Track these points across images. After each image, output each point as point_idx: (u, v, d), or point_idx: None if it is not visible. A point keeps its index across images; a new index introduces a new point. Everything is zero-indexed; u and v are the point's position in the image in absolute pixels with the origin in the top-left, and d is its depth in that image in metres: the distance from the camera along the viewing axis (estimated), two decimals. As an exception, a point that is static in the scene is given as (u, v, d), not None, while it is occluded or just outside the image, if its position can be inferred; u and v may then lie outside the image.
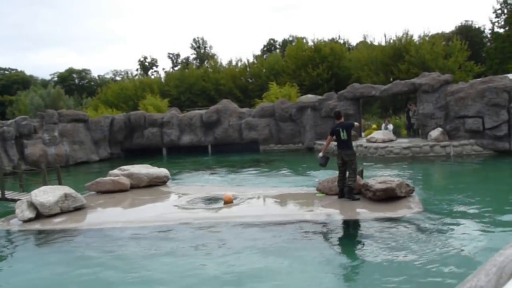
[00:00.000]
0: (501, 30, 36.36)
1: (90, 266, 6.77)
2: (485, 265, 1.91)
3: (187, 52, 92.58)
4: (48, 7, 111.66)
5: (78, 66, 74.67)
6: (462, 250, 6.36)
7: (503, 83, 16.93)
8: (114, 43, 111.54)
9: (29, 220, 9.70)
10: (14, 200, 11.73)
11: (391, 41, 32.93)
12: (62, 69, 72.46)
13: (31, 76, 65.18)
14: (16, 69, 67.41)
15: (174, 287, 5.87)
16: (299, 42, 40.00)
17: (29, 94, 40.01)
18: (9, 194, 12.97)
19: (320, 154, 10.16)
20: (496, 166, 14.99)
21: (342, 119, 9.97)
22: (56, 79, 64.99)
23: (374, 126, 24.36)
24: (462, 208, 8.94)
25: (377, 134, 19.79)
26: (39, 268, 7.01)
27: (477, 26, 44.90)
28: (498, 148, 16.71)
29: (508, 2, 34.92)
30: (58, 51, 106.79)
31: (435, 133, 17.88)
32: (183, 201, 10.70)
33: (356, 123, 10.33)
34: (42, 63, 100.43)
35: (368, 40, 37.17)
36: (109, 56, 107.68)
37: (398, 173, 14.22)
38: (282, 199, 10.25)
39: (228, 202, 10.00)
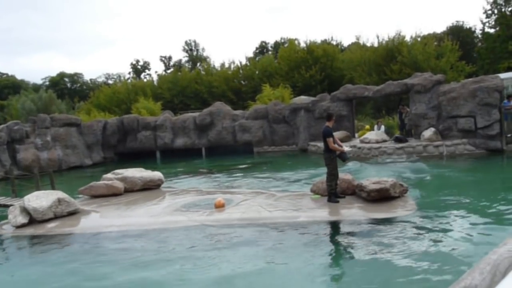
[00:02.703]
0: (492, 30, 36.62)
1: (83, 272, 6.73)
2: (479, 263, 1.92)
3: (179, 55, 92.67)
4: (38, 11, 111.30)
5: (69, 70, 74.65)
6: (455, 249, 6.39)
7: (494, 82, 17.05)
8: (105, 46, 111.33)
9: (22, 226, 9.63)
10: (7, 206, 11.65)
11: (384, 42, 33.09)
12: (53, 73, 72.12)
13: (22, 81, 64.78)
14: (6, 74, 67.01)
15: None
16: (291, 43, 40.10)
17: (20, 99, 39.72)
18: (1, 199, 12.88)
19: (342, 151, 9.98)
20: (489, 165, 15.08)
21: (328, 123, 9.86)
22: (47, 83, 64.68)
23: (367, 126, 24.44)
24: (455, 208, 8.98)
25: (371, 135, 19.86)
26: (31, 274, 6.96)
27: (468, 27, 45.27)
28: (490, 147, 16.81)
29: (498, 2, 35.18)
30: (49, 55, 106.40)
31: (428, 133, 17.97)
32: (177, 205, 10.66)
33: (329, 140, 9.52)
34: (33, 67, 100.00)
35: (361, 41, 37.32)
36: (101, 60, 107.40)
37: (392, 173, 14.26)
38: (276, 201, 10.22)
39: (220, 207, 9.89)
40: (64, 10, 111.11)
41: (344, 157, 9.84)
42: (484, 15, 36.79)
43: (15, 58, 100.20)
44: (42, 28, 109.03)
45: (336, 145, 9.70)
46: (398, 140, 18.56)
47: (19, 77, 66.58)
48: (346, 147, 9.93)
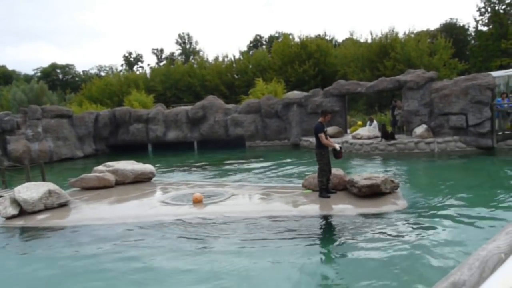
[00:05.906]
0: (485, 28, 36.86)
1: (74, 265, 6.70)
2: (468, 259, 1.94)
3: (172, 48, 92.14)
4: (27, 1, 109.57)
5: (61, 61, 73.57)
6: (443, 246, 6.44)
7: (486, 80, 17.15)
8: (97, 38, 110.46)
9: (12, 217, 9.56)
10: (-3, 197, 11.55)
11: (377, 38, 33.17)
12: (43, 64, 71.63)
13: (13, 71, 64.13)
14: (-3, 64, 66.24)
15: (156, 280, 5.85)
16: (285, 38, 40.08)
17: (11, 89, 39.38)
18: (-9, 190, 12.78)
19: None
20: (479, 163, 15.19)
21: (322, 119, 9.85)
22: (39, 74, 64.09)
23: (359, 122, 24.53)
24: (445, 204, 9.05)
25: (363, 131, 19.93)
26: (20, 266, 6.92)
27: (461, 24, 45.51)
28: (481, 145, 16.94)
29: (492, 0, 35.36)
30: (39, 45, 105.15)
31: (420, 129, 18.07)
32: (167, 198, 10.64)
33: (321, 135, 9.51)
34: (23, 58, 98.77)
35: (354, 37, 37.47)
36: (93, 51, 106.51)
37: (383, 169, 14.35)
38: (266, 195, 10.23)
39: (198, 202, 9.75)
40: (53, 0, 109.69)
41: (336, 154, 9.83)
42: (478, 13, 37.05)
43: (4, 48, 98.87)
44: (31, 18, 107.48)
45: (328, 141, 9.72)
46: (385, 133, 18.59)
47: (9, 67, 65.86)
48: (336, 145, 9.90)
